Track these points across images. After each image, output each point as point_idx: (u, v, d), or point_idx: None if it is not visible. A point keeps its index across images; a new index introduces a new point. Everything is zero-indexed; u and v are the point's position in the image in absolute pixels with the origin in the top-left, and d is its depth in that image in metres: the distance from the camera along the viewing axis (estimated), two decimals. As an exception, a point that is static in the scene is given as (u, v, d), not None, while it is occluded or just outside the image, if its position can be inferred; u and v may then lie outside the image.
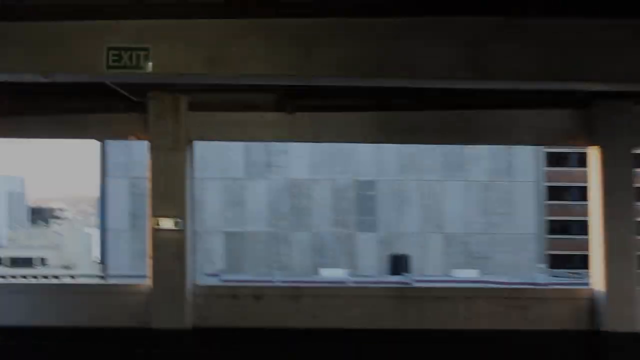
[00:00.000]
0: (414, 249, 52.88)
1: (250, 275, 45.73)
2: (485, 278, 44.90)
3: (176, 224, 13.42)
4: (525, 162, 53.77)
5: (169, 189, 13.47)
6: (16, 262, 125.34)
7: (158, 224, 13.37)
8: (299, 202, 53.96)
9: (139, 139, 13.88)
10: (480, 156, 53.66)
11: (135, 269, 54.32)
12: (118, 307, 13.74)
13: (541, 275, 44.23)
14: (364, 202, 53.94)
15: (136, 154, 54.00)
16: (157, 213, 13.47)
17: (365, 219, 53.81)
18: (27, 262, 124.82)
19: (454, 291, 14.78)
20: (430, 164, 53.69)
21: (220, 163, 53.94)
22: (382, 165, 53.80)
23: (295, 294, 14.20)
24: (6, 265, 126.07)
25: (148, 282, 13.73)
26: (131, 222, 54.19)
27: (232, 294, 14.15)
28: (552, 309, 14.17)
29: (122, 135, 14.08)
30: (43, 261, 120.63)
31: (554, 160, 63.91)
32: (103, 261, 55.03)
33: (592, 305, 13.82)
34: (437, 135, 13.88)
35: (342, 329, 13.95)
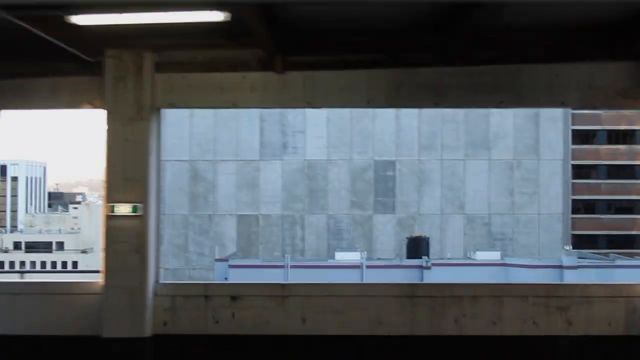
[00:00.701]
0: (434, 230, 50.23)
1: (262, 260, 43.18)
2: (508, 260, 42.14)
3: (135, 209, 10.65)
4: (553, 139, 50.79)
5: (129, 168, 10.65)
6: (33, 246, 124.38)
7: (113, 211, 10.61)
8: (315, 184, 51.36)
9: (94, 107, 11.13)
10: (505, 134, 50.77)
11: (146, 253, 52.23)
12: (61, 310, 10.91)
13: (568, 257, 41.38)
14: (382, 183, 51.24)
15: (146, 135, 51.67)
16: (113, 197, 10.66)
17: (383, 200, 51.13)
18: (45, 246, 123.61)
19: (477, 289, 11.82)
20: (452, 143, 50.88)
21: (233, 144, 51.47)
22: (402, 144, 51.06)
23: (281, 293, 11.33)
24: (21, 250, 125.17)
25: (100, 281, 10.93)
26: (142, 206, 51.74)
27: (203, 294, 11.25)
28: (600, 310, 11.32)
29: (74, 104, 11.26)
30: (60, 246, 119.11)
31: (581, 137, 60.86)
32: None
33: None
34: (463, 96, 10.96)
35: (338, 336, 11.13)
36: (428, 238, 45.65)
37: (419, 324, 11.20)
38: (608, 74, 10.86)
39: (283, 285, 11.59)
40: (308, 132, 51.15)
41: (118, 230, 10.75)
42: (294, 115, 51.16)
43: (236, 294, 11.36)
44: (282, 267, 41.56)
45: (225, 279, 42.54)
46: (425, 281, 40.87)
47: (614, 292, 11.45)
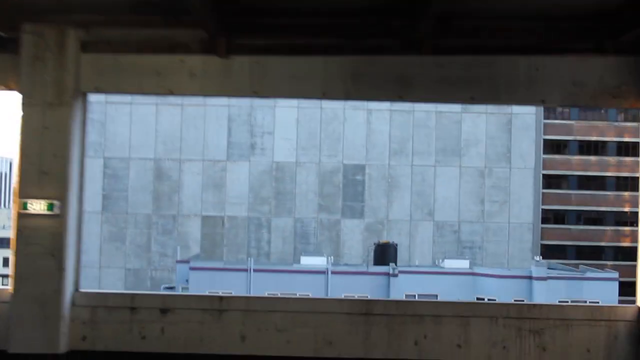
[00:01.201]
0: (403, 237, 49.04)
1: (224, 262, 41.73)
2: (477, 269, 41.04)
3: (51, 207, 9.18)
4: (525, 147, 49.84)
5: (46, 160, 9.18)
6: (1, 242, 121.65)
7: (26, 208, 9.13)
8: (282, 186, 49.99)
9: (8, 89, 9.65)
10: (477, 141, 49.74)
11: (105, 253, 50.60)
12: None
13: (538, 268, 40.36)
14: (351, 187, 49.99)
15: (111, 133, 50.07)
16: (26, 192, 9.18)
17: (352, 204, 49.87)
18: (9, 242, 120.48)
19: (441, 307, 10.45)
20: (424, 149, 49.77)
21: (200, 143, 49.98)
22: (373, 148, 49.85)
23: (218, 306, 9.87)
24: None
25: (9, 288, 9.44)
26: (103, 204, 50.15)
27: (129, 305, 9.76)
28: (578, 335, 10.02)
29: (-15, 84, 9.78)
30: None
31: (552, 147, 59.91)
32: (74, 244, 50.81)
33: (638, 330, 9.77)
34: (431, 90, 9.57)
35: (281, 357, 9.69)
36: (396, 244, 44.48)
37: (374, 345, 9.81)
38: (595, 70, 9.56)
39: (220, 298, 10.11)
40: (277, 133, 49.81)
41: (31, 230, 9.26)
42: (262, 115, 49.79)
43: (167, 306, 9.90)
44: (244, 270, 40.16)
45: (187, 281, 41.07)
46: (392, 289, 39.69)
47: (594, 315, 10.15)
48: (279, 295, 11.52)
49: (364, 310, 9.98)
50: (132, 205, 50.10)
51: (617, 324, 10.01)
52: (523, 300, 38.57)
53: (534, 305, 10.82)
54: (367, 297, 39.72)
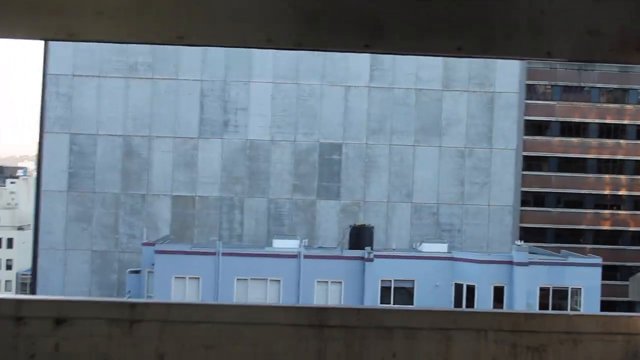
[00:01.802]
0: (380, 219, 46.95)
1: (191, 245, 39.50)
2: (456, 254, 39.07)
3: None
4: (507, 128, 47.80)
5: None
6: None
7: None
8: (256, 166, 47.67)
9: None
10: (458, 120, 47.64)
11: (70, 234, 48.14)
12: None
13: (519, 253, 38.45)
14: (327, 167, 47.75)
15: (78, 108, 47.53)
16: None
17: (328, 185, 47.67)
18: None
19: (416, 317, 8.10)
20: (403, 128, 47.59)
21: (171, 119, 47.51)
22: (350, 127, 47.61)
23: (129, 316, 7.54)
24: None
25: None
26: (69, 183, 47.66)
27: (14, 314, 7.38)
28: (589, 352, 7.75)
29: None
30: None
31: (533, 128, 58.16)
32: (36, 225, 48.44)
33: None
34: (407, 37, 7.32)
35: None
36: (372, 227, 42.47)
37: None
38: (616, 15, 7.27)
39: (133, 305, 7.76)
40: (251, 109, 47.43)
41: None
42: (236, 91, 47.39)
43: (63, 315, 7.50)
44: (213, 254, 37.98)
45: (152, 265, 38.87)
46: (367, 274, 37.64)
47: (608, 327, 7.91)
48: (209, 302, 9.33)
49: (317, 322, 7.65)
50: (99, 184, 47.63)
51: (637, 338, 7.83)
52: (503, 287, 36.71)
53: (533, 314, 8.51)
54: (341, 283, 37.70)
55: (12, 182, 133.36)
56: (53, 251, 47.54)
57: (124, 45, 48.70)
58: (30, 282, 49.40)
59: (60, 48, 47.16)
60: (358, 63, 47.29)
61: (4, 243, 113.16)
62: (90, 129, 47.47)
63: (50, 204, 47.79)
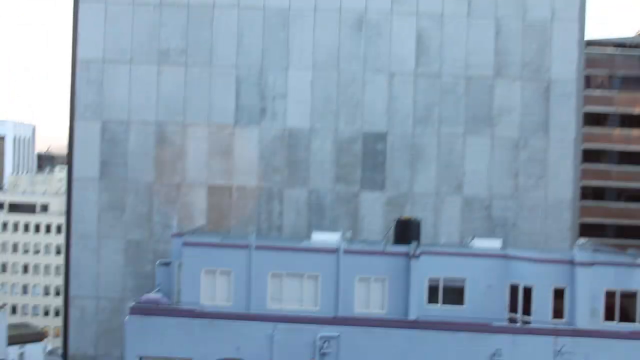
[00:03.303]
0: (427, 213, 42.98)
1: (222, 237, 35.83)
2: (511, 251, 34.91)
3: None
4: (564, 117, 43.46)
5: None
6: (17, 207, 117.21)
7: None
8: (295, 155, 44.02)
9: None
10: (511, 109, 43.46)
11: (103, 223, 45.05)
12: None
13: (581, 252, 34.14)
14: (371, 157, 43.89)
15: (110, 94, 44.38)
16: None
17: (372, 176, 43.84)
18: (29, 208, 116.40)
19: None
20: (452, 116, 43.56)
21: (205, 106, 44.09)
22: (395, 115, 43.75)
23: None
24: (2, 210, 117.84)
25: None
26: (101, 170, 44.54)
27: None
28: None
29: None
30: (45, 208, 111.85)
31: (592, 119, 53.45)
32: (68, 213, 45.41)
33: None
34: None
35: None
36: (419, 221, 38.55)
37: None
38: None
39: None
40: (290, 96, 43.82)
41: None
42: (274, 77, 43.76)
43: None
44: (245, 247, 34.35)
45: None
46: (412, 272, 33.65)
47: None
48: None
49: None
50: (132, 172, 44.50)
51: None
52: (563, 290, 32.52)
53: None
54: (385, 280, 33.88)
55: (61, 170, 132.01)
56: (86, 240, 44.67)
57: (156, 30, 45.54)
58: (64, 272, 46.43)
59: (90, 32, 44.08)
60: (403, 48, 43.37)
61: (54, 229, 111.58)
62: (122, 116, 44.34)
63: (82, 192, 44.80)
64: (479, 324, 32.37)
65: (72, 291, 44.78)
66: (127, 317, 33.96)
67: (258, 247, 34.30)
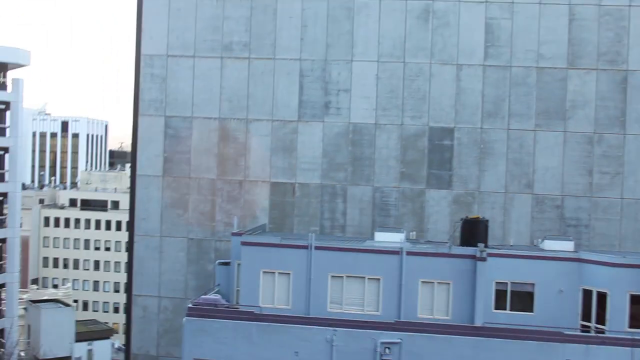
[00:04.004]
0: (496, 212, 40.96)
1: (281, 237, 34.57)
2: (585, 254, 32.71)
3: None
4: (643, 109, 40.83)
5: None
6: (89, 204, 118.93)
7: None
8: (360, 151, 42.50)
9: None
10: (585, 102, 41.00)
11: (166, 221, 44.43)
12: None
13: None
14: (438, 154, 42.06)
15: (173, 89, 43.65)
16: None
17: (438, 173, 42.00)
18: (100, 204, 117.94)
19: None
20: (522, 110, 41.37)
21: (268, 101, 42.95)
22: (463, 110, 41.79)
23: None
24: (78, 207, 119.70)
25: None
26: (164, 167, 43.90)
27: None
28: None
29: None
30: (115, 205, 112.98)
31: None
32: (132, 211, 44.92)
33: None
34: None
35: None
36: (487, 221, 36.64)
37: None
38: None
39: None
40: (354, 91, 42.29)
41: None
42: (338, 70, 42.31)
43: None
44: (305, 247, 33.07)
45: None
46: (479, 275, 31.83)
47: None
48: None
49: None
50: (194, 169, 43.71)
51: None
52: (642, 296, 30.19)
53: None
54: (450, 284, 32.14)
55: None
56: (149, 238, 44.10)
57: (219, 23, 44.60)
58: (127, 270, 46.04)
59: (154, 26, 43.42)
60: (471, 39, 41.36)
61: (124, 226, 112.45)
62: (186, 112, 43.57)
63: (145, 190, 44.26)
64: (550, 332, 30.35)
65: (135, 290, 44.31)
66: (184, 318, 33.13)
67: (318, 248, 33.00)
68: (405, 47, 41.88)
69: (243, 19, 42.90)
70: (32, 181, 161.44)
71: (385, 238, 35.64)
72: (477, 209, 41.26)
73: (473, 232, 35.50)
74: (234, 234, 35.95)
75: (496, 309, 32.47)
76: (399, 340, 31.09)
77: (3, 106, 60.06)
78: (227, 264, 37.06)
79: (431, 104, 41.97)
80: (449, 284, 32.42)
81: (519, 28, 41.32)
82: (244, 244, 33.51)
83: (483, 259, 31.89)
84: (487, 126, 41.67)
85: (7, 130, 60.39)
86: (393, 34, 41.81)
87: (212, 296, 34.42)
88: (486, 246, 33.41)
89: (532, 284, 32.00)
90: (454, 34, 41.52)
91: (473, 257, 32.16)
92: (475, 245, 33.04)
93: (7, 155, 60.25)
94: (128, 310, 44.97)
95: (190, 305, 33.30)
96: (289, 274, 33.25)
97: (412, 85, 42.03)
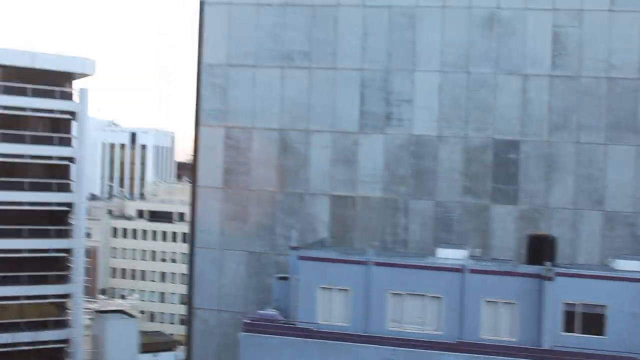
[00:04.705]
0: (564, 229, 38.86)
1: (338, 253, 33.27)
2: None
3: None
4: None
5: None
6: (156, 215, 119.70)
7: None
8: (422, 164, 40.97)
9: None
10: (659, 113, 38.73)
11: (226, 234, 43.61)
12: None
13: None
14: (503, 168, 40.23)
15: (233, 99, 42.92)
16: None
17: (503, 188, 40.17)
18: (166, 216, 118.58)
19: None
20: (592, 123, 39.29)
21: (329, 112, 41.81)
22: (529, 122, 39.94)
23: None
24: (145, 219, 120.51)
25: None
26: (224, 179, 43.13)
27: None
28: None
29: None
30: (181, 217, 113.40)
31: None
32: (192, 222, 44.25)
33: None
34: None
35: None
36: (555, 238, 34.66)
37: None
38: None
39: None
40: (416, 102, 40.85)
41: None
42: (400, 80, 40.92)
43: None
44: (363, 263, 31.73)
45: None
46: (546, 295, 29.95)
47: None
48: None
49: None
50: (254, 180, 42.81)
51: None
52: None
53: None
54: (515, 304, 30.31)
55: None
56: (209, 251, 43.35)
57: (279, 32, 43.69)
58: (187, 283, 45.34)
59: (215, 36, 42.79)
60: (538, 48, 39.47)
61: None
62: (246, 122, 42.77)
63: (205, 201, 43.54)
64: (623, 358, 28.31)
65: (196, 303, 43.58)
66: (240, 334, 32.13)
67: (377, 264, 31.61)
68: (468, 57, 40.28)
69: (303, 28, 41.88)
70: (102, 192, 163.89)
71: (447, 255, 34.05)
72: (544, 226, 39.25)
73: (540, 249, 33.64)
74: (292, 248, 34.83)
75: (565, 331, 30.51)
76: (461, 362, 29.50)
77: (69, 116, 60.38)
78: (285, 278, 35.95)
79: (496, 116, 40.23)
80: (514, 304, 30.62)
81: (588, 36, 39.30)
82: (302, 258, 32.37)
83: (550, 278, 30.02)
84: (554, 139, 39.72)
85: (73, 141, 60.68)
86: (456, 43, 40.24)
87: (269, 311, 33.34)
88: (554, 265, 31.51)
89: (604, 307, 29.97)
90: (520, 42, 39.74)
91: (540, 276, 30.31)
92: (542, 264, 31.18)
93: (72, 166, 60.55)
94: (189, 323, 44.27)
95: (246, 321, 32.28)
96: (347, 290, 31.93)
97: (476, 96, 40.37)
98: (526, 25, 39.71)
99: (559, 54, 39.41)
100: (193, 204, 44.22)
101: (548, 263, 30.95)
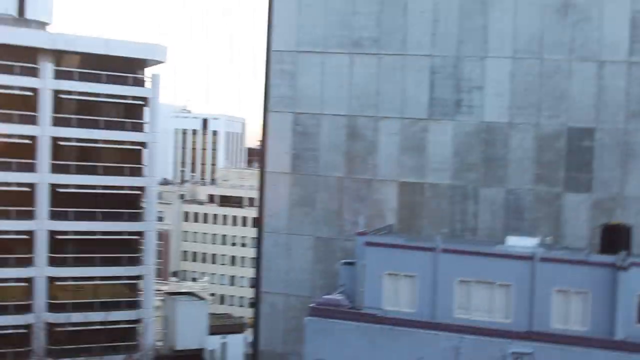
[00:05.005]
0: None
1: (405, 239, 32.94)
2: None
3: None
4: None
5: None
6: (227, 200, 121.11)
7: None
8: (492, 151, 40.23)
9: None
10: None
11: (293, 219, 43.72)
12: None
13: None
14: (576, 155, 39.19)
15: (302, 85, 42.86)
16: None
17: (577, 176, 39.13)
18: (237, 201, 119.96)
19: None
20: (671, 110, 37.93)
21: (398, 98, 41.40)
22: (605, 109, 38.76)
23: None
24: (216, 203, 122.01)
25: None
26: (293, 164, 43.19)
27: None
28: None
29: None
30: (252, 202, 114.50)
31: None
32: (260, 207, 44.49)
33: None
34: None
35: None
36: (630, 227, 33.63)
37: None
38: None
39: None
40: (487, 88, 40.07)
41: None
42: (470, 67, 40.21)
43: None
44: (431, 250, 31.34)
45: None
46: (620, 286, 29.09)
47: None
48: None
49: None
50: (322, 166, 42.76)
51: None
52: None
53: None
54: (587, 294, 29.53)
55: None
56: (277, 235, 43.54)
57: (348, 18, 43.39)
58: (255, 266, 45.68)
59: (284, 22, 42.76)
60: (615, 33, 38.19)
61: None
62: (314, 108, 42.66)
63: (273, 186, 43.70)
64: (700, 351, 27.38)
65: (263, 286, 43.84)
66: (306, 318, 32.15)
67: (445, 251, 31.20)
68: (542, 43, 39.26)
69: (373, 14, 41.46)
70: (174, 177, 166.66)
71: (517, 243, 33.39)
72: (619, 215, 38.07)
73: (614, 239, 32.72)
74: (358, 234, 34.66)
75: (639, 322, 29.62)
76: (530, 351, 28.87)
77: (141, 102, 61.36)
78: (351, 264, 35.81)
79: (570, 103, 39.16)
80: (586, 293, 29.82)
81: (669, 21, 37.90)
82: (368, 244, 32.19)
83: (625, 268, 29.13)
84: (631, 127, 38.47)
85: (145, 126, 61.67)
86: (529, 29, 39.26)
87: (335, 296, 33.28)
88: (629, 255, 30.57)
89: (681, 299, 29.03)
90: (596, 28, 38.52)
91: (614, 265, 29.45)
92: (617, 254, 30.28)
93: (145, 151, 61.54)
94: (256, 306, 44.58)
95: (312, 305, 32.30)
96: (413, 276, 31.60)
97: (549, 83, 39.36)
98: (603, 10, 38.46)
99: (637, 40, 38.09)
100: (261, 190, 44.44)
101: (623, 253, 30.04)
